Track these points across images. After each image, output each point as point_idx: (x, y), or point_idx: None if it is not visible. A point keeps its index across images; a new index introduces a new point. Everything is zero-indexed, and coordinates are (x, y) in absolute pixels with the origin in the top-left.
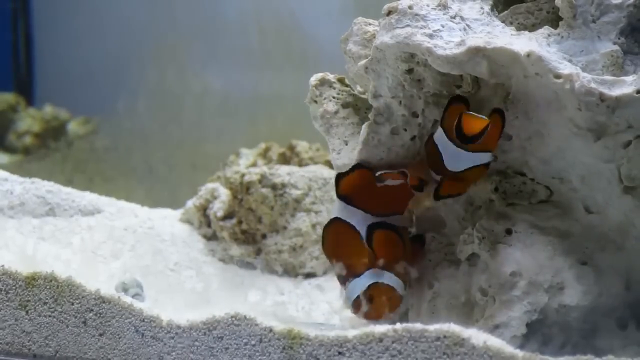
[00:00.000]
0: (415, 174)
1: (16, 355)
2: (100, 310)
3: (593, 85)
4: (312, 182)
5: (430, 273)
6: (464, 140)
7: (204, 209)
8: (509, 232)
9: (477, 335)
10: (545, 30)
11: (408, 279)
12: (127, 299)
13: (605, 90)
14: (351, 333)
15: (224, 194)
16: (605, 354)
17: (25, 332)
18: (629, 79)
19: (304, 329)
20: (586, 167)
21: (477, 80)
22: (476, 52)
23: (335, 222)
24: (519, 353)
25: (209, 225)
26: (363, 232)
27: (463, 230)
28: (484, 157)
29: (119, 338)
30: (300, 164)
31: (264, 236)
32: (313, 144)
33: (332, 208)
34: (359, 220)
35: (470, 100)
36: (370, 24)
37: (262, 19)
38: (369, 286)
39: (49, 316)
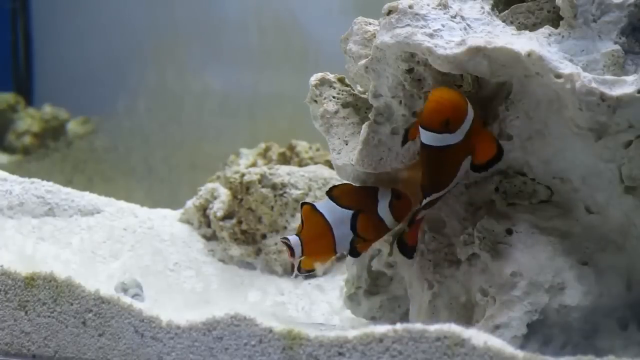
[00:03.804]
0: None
1: (15, 355)
2: (100, 311)
3: (594, 85)
4: (312, 182)
5: (430, 273)
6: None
7: (203, 209)
8: (509, 232)
9: (477, 336)
10: (546, 29)
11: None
12: (126, 300)
13: (606, 90)
14: (351, 333)
15: (224, 194)
16: (606, 355)
17: (24, 333)
18: (630, 78)
19: (304, 330)
20: (587, 167)
21: (478, 79)
22: (477, 52)
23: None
24: (520, 353)
25: (208, 225)
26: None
27: (463, 231)
28: None
29: (119, 338)
30: (300, 164)
31: (264, 236)
32: (313, 144)
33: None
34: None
35: (471, 100)
36: (370, 24)
37: (262, 19)
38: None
39: (48, 316)
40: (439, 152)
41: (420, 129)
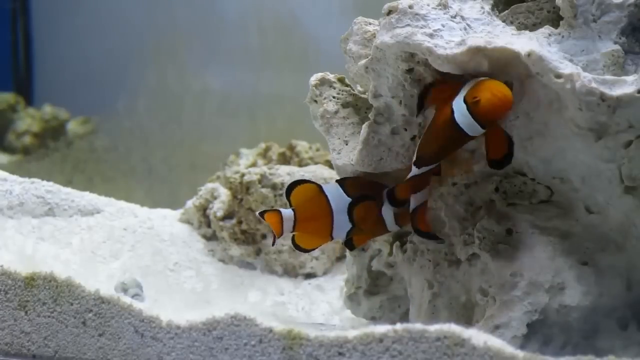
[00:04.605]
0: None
1: (15, 355)
2: (100, 311)
3: (594, 85)
4: None
5: (430, 273)
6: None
7: (203, 209)
8: (509, 232)
9: (477, 336)
10: (546, 29)
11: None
12: (126, 299)
13: (606, 90)
14: (351, 333)
15: (224, 194)
16: (606, 355)
17: (24, 333)
18: (630, 78)
19: (304, 330)
20: (587, 167)
21: None
22: (477, 52)
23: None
24: (520, 353)
25: (208, 225)
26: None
27: (463, 231)
28: None
29: (119, 338)
30: (300, 164)
31: (263, 236)
32: (313, 144)
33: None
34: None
35: None
36: (370, 24)
37: (261, 19)
38: None
39: (48, 316)
40: (463, 138)
41: (466, 110)
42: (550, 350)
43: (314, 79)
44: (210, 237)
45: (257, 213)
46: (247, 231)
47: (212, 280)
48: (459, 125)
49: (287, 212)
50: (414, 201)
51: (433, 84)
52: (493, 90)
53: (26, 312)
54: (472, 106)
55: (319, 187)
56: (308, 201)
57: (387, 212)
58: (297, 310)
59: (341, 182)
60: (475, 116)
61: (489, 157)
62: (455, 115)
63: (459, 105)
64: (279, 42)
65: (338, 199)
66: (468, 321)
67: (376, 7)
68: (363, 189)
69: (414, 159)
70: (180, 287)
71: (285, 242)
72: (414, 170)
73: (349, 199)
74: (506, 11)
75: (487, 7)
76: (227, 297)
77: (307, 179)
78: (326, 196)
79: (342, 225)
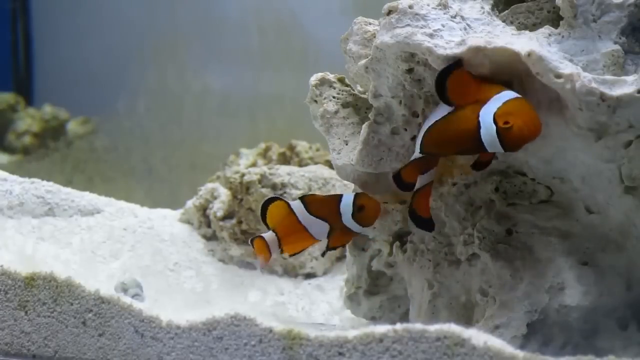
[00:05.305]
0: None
1: (15, 355)
2: (100, 311)
3: (594, 85)
4: (312, 182)
5: (430, 273)
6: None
7: (203, 209)
8: (509, 232)
9: (477, 336)
10: (546, 29)
11: None
12: (126, 299)
13: (606, 90)
14: (351, 333)
15: (224, 194)
16: (606, 354)
17: (24, 333)
18: (630, 78)
19: (304, 330)
20: (587, 167)
21: None
22: (477, 52)
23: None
24: (520, 353)
25: (208, 225)
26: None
27: (463, 231)
28: None
29: (119, 338)
30: (300, 164)
31: None
32: (313, 144)
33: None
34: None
35: None
36: (370, 24)
37: (262, 19)
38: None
39: (48, 316)
40: (480, 150)
41: (495, 131)
42: (550, 350)
43: (314, 79)
44: (210, 237)
45: (249, 240)
46: (247, 231)
47: (212, 280)
48: (481, 141)
49: (269, 235)
50: (419, 182)
51: (453, 68)
52: (525, 118)
53: (26, 312)
54: (502, 131)
55: (288, 204)
56: (283, 219)
57: (349, 222)
58: (297, 310)
59: (302, 199)
60: (503, 141)
61: (478, 158)
62: (482, 131)
63: (487, 123)
64: (279, 42)
65: (303, 215)
66: (468, 321)
67: (376, 7)
68: (320, 204)
69: (419, 143)
70: (180, 287)
71: None
72: (417, 155)
73: (311, 216)
74: (506, 11)
75: (487, 7)
76: (227, 297)
77: (276, 196)
78: (294, 213)
79: (317, 233)
